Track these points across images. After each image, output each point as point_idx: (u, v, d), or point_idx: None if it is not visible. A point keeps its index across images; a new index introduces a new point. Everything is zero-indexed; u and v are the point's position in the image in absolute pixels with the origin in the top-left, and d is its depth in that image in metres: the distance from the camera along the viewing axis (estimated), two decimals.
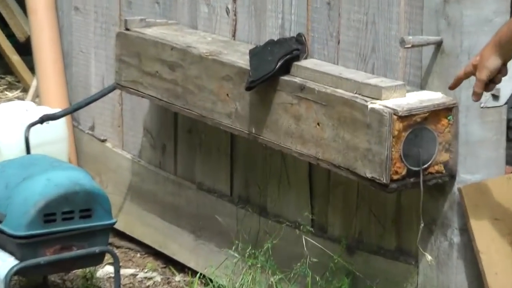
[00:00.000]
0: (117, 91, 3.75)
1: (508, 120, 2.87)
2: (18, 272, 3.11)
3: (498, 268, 2.69)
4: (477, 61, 2.37)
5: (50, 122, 3.74)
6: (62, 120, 3.87)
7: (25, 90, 5.36)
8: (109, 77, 3.80)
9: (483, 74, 2.34)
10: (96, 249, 3.19)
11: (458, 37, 2.67)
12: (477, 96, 2.39)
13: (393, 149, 2.60)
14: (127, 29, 3.53)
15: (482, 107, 2.67)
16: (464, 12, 2.65)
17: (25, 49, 5.24)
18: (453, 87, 2.52)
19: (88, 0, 4.05)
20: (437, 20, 2.71)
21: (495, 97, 2.71)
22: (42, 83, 4.18)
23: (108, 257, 3.31)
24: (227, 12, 3.38)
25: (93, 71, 4.05)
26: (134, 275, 3.71)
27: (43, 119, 3.71)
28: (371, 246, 3.02)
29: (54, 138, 3.82)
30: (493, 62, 2.34)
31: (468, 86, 2.55)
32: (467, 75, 2.43)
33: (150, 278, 3.69)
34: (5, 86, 5.82)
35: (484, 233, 2.69)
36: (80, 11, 4.09)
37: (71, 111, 3.96)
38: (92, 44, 4.04)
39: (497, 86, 2.50)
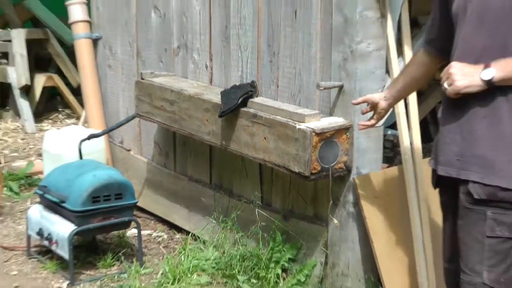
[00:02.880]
0: (137, 119, 3.69)
1: (384, 135, 2.87)
2: (76, 234, 3.07)
3: (378, 228, 2.68)
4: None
5: (94, 139, 3.69)
6: (102, 138, 3.83)
7: (78, 118, 5.29)
8: (131, 110, 3.73)
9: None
10: (126, 218, 3.16)
11: (354, 83, 2.63)
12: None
13: (312, 154, 2.57)
14: (142, 79, 3.49)
15: (377, 126, 2.49)
16: (357, 67, 2.62)
17: (77, 92, 5.16)
18: None
19: (116, 60, 3.99)
20: (340, 72, 2.68)
21: None
22: (88, 113, 4.11)
23: (133, 224, 3.26)
24: (206, 67, 3.34)
25: (121, 105, 3.99)
26: (150, 235, 3.64)
27: (90, 137, 3.65)
28: (298, 214, 2.99)
29: (97, 149, 3.78)
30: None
31: (359, 115, 2.54)
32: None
33: (160, 236, 3.62)
34: (65, 116, 5.78)
35: (368, 206, 2.68)
36: (111, 67, 4.03)
37: (108, 132, 3.91)
38: (120, 88, 3.98)
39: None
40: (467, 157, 1.92)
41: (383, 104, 2.28)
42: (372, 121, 2.34)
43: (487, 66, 1.83)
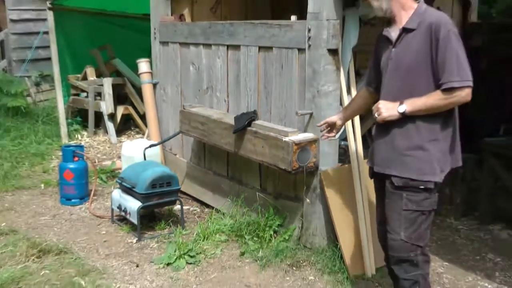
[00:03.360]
0: (180, 134, 3.66)
1: (339, 144, 2.83)
2: (142, 208, 3.04)
3: (335, 204, 2.67)
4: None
5: (154, 147, 3.67)
6: (158, 146, 3.81)
7: (143, 134, 5.27)
8: (177, 128, 3.72)
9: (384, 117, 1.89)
10: (173, 198, 3.13)
11: (320, 111, 2.63)
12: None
13: (293, 157, 2.57)
14: (184, 109, 3.47)
15: (334, 138, 2.43)
16: (322, 101, 2.62)
17: (143, 117, 5.18)
18: None
19: (167, 97, 3.97)
20: (310, 105, 2.67)
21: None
22: (150, 131, 4.08)
23: (178, 202, 3.22)
24: (225, 101, 3.32)
25: (171, 126, 3.95)
26: (188, 209, 3.60)
27: (150, 146, 3.64)
28: (285, 195, 2.97)
29: (155, 153, 3.75)
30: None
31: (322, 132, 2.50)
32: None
33: (195, 210, 3.59)
34: (135, 133, 5.75)
35: (329, 190, 2.67)
36: (165, 101, 4.00)
37: (162, 142, 3.88)
38: (170, 115, 3.95)
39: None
40: (390, 159, 1.95)
41: (339, 123, 2.31)
42: (332, 134, 2.36)
43: (401, 103, 1.89)
